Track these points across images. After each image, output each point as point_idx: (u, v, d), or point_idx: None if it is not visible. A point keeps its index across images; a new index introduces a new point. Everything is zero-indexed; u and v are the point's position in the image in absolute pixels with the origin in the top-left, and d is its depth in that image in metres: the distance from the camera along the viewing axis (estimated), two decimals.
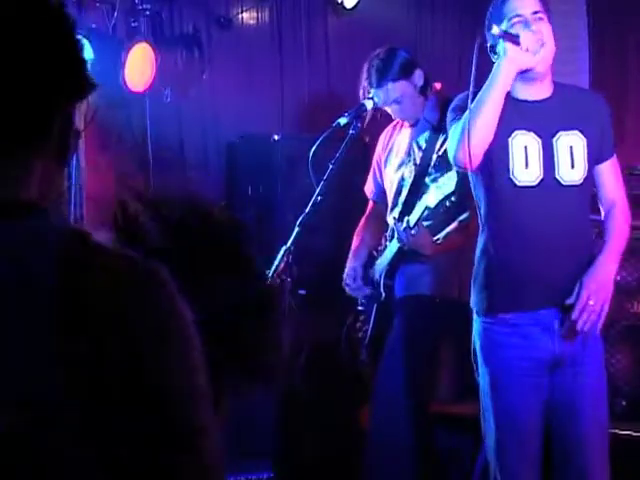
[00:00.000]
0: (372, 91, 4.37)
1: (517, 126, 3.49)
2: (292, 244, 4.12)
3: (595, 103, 3.62)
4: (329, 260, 4.87)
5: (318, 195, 4.18)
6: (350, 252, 4.67)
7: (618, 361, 4.78)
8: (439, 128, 4.40)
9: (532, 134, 3.49)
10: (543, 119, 3.50)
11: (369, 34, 5.84)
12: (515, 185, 3.48)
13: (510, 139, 3.48)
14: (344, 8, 5.93)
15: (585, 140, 3.51)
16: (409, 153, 4.48)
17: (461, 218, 4.21)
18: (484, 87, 3.45)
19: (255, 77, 5.73)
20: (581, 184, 3.51)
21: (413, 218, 4.18)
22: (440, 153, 4.35)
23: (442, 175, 4.09)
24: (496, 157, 3.48)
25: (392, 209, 4.51)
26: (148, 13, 5.14)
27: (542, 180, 3.47)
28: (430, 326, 4.38)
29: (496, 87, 3.41)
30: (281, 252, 4.12)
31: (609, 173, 3.60)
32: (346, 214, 4.87)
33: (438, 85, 4.52)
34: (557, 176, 3.48)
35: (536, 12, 3.46)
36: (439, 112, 4.43)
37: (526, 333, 3.49)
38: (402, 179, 4.48)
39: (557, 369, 3.52)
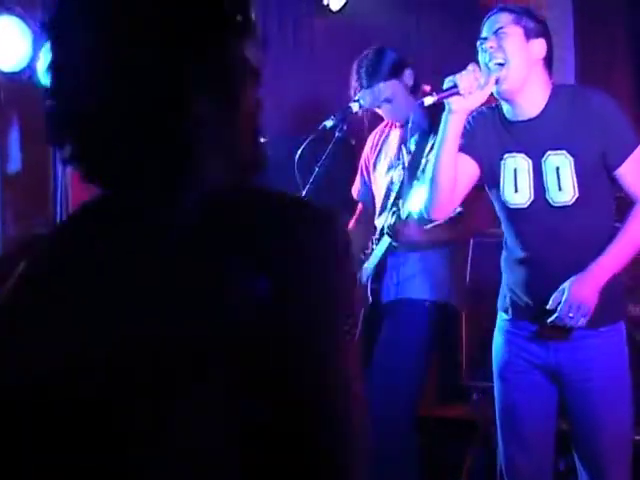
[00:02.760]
0: (359, 94, 4.37)
1: (508, 148, 3.50)
2: None
3: (593, 108, 3.42)
4: None
5: (304, 198, 4.18)
6: None
7: None
8: (428, 132, 4.41)
9: (522, 155, 3.48)
10: (533, 139, 3.46)
11: (355, 36, 5.84)
12: (508, 207, 3.53)
13: (502, 162, 3.51)
14: (330, 10, 5.94)
15: (572, 159, 3.41)
16: (398, 157, 4.49)
17: (452, 216, 4.21)
18: (437, 143, 3.54)
19: None
20: (574, 204, 3.42)
21: (398, 221, 4.19)
22: (430, 157, 4.35)
23: None
24: (490, 180, 3.56)
25: (381, 213, 4.51)
26: None
27: (533, 202, 3.47)
28: (421, 330, 4.38)
29: (446, 142, 3.48)
30: None
31: (629, 173, 3.43)
32: None
33: (428, 87, 4.52)
34: (547, 197, 3.45)
35: (499, 29, 3.42)
36: (429, 115, 4.44)
37: (526, 335, 3.57)
38: (391, 183, 4.48)
39: (561, 380, 3.54)
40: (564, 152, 3.41)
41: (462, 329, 5.73)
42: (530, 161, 3.46)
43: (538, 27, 3.46)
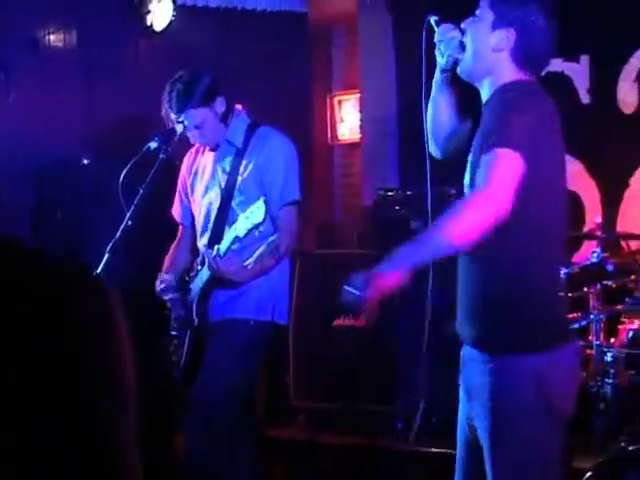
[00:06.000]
0: (181, 116, 4.35)
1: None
2: (102, 270, 4.06)
3: (499, 106, 3.17)
4: (140, 285, 4.82)
5: (128, 220, 4.13)
6: (162, 271, 4.62)
7: None
8: (243, 151, 4.42)
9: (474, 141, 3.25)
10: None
11: (179, 56, 5.83)
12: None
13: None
14: (154, 31, 5.92)
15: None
16: (214, 176, 4.49)
17: (270, 240, 4.23)
18: None
19: (63, 100, 5.64)
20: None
21: (223, 247, 4.17)
22: (245, 176, 4.38)
23: (249, 201, 4.10)
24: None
25: (202, 234, 4.50)
26: None
27: (462, 193, 3.29)
28: (245, 349, 4.39)
29: (432, 89, 3.41)
30: None
31: (482, 166, 3.04)
32: (158, 239, 4.83)
33: (239, 107, 4.53)
34: (465, 191, 3.27)
35: (477, 9, 3.27)
36: (243, 135, 4.45)
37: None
38: (210, 204, 4.48)
39: (469, 401, 3.26)
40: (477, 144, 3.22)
41: (289, 349, 5.78)
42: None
43: (512, 15, 3.21)
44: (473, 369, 3.21)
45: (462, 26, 3.30)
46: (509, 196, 2.96)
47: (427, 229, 3.21)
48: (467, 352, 3.26)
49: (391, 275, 2.97)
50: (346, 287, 3.03)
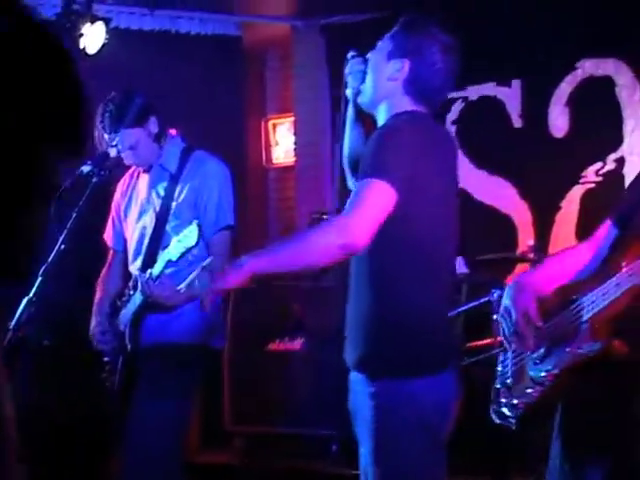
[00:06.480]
0: (115, 137, 4.33)
1: None
2: (35, 294, 4.01)
3: (378, 134, 3.20)
4: (74, 309, 4.78)
5: (61, 244, 4.10)
6: (94, 303, 4.59)
7: None
8: (177, 176, 4.41)
9: None
10: None
11: (112, 80, 5.80)
12: None
13: None
14: (86, 54, 5.89)
15: None
16: (148, 201, 4.47)
17: (204, 264, 4.21)
18: None
19: None
20: None
21: (156, 270, 4.14)
22: (180, 200, 4.36)
23: (183, 226, 4.07)
24: None
25: (135, 258, 4.47)
26: None
27: None
28: (178, 373, 4.36)
29: None
30: (24, 303, 4.00)
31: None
32: (91, 263, 4.80)
33: (173, 131, 4.52)
34: None
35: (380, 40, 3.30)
36: (177, 160, 4.44)
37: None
38: (144, 228, 4.46)
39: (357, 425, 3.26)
40: None
41: (224, 373, 5.76)
42: None
43: (408, 46, 3.24)
44: (357, 393, 3.21)
45: (367, 57, 3.34)
46: (368, 230, 3.00)
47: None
48: (353, 376, 3.26)
49: (236, 277, 3.06)
50: (196, 279, 3.30)
